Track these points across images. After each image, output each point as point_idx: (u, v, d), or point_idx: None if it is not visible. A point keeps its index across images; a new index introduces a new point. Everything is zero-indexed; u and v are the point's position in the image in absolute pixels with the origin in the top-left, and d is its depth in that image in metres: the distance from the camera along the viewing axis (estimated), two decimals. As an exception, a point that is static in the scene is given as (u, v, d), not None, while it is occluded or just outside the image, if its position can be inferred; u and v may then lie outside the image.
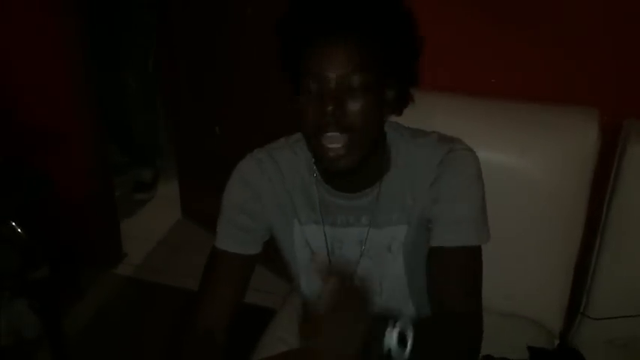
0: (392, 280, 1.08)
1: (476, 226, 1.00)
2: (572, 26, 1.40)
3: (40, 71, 2.08)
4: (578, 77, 1.43)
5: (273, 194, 1.08)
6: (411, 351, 0.81)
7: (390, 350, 0.81)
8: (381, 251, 1.06)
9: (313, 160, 1.06)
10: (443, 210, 1.00)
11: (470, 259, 1.00)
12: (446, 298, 0.97)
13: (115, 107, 2.69)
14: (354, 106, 0.91)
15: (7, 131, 2.16)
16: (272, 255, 1.15)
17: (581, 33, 1.40)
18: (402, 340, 0.81)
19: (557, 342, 1.38)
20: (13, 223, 1.64)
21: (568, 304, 1.36)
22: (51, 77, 2.08)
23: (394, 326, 0.81)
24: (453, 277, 0.98)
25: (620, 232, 1.31)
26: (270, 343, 1.33)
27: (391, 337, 0.81)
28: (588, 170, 1.26)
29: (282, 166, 1.09)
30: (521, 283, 1.32)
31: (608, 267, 1.33)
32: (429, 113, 1.26)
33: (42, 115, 2.15)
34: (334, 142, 0.92)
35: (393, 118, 1.02)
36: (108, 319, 2.14)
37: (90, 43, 2.12)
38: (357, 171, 0.97)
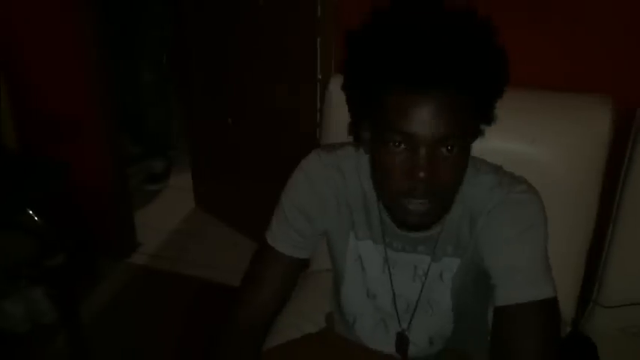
0: (438, 308, 1.05)
1: (534, 276, 0.91)
2: (585, 12, 1.39)
3: (56, 61, 2.10)
4: (592, 64, 1.42)
5: (335, 202, 1.04)
6: None
7: None
8: (433, 278, 1.03)
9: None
10: (496, 262, 0.93)
11: (537, 317, 0.89)
12: None
13: (129, 98, 2.71)
14: (447, 170, 0.84)
15: (24, 121, 2.19)
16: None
17: (594, 19, 1.39)
18: None
19: (569, 329, 1.38)
20: (30, 212, 1.66)
21: (580, 292, 1.36)
22: (68, 67, 2.10)
23: None
24: (515, 348, 0.89)
25: (632, 220, 1.30)
26: (283, 329, 1.34)
27: None
28: (601, 158, 1.25)
29: (347, 176, 1.02)
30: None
31: (620, 255, 1.33)
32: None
33: (58, 104, 2.17)
34: (419, 206, 0.85)
35: None
36: (122, 307, 2.17)
37: (105, 34, 2.14)
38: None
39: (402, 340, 1.10)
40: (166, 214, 2.69)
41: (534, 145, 1.25)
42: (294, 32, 1.86)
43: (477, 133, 0.91)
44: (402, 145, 0.83)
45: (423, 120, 0.80)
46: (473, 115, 0.85)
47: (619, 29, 1.38)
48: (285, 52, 1.96)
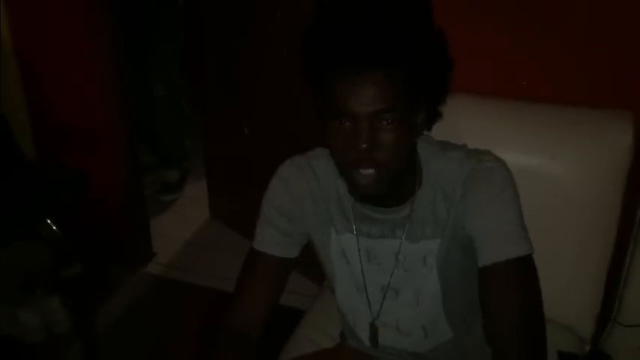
0: (427, 294, 1.06)
1: (517, 234, 0.96)
2: (606, 27, 1.38)
3: (74, 72, 2.13)
4: (612, 79, 1.41)
5: (311, 201, 1.09)
6: None
7: None
8: (416, 264, 1.05)
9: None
10: (475, 226, 0.97)
11: (516, 273, 0.95)
12: (501, 337, 0.94)
13: (142, 113, 2.72)
14: (387, 141, 0.90)
15: (42, 131, 2.21)
16: (301, 257, 1.16)
17: (614, 34, 1.38)
18: None
19: (588, 348, 1.36)
20: (49, 221, 1.67)
21: (600, 310, 1.34)
22: (85, 77, 2.12)
23: None
24: (504, 303, 0.94)
25: (654, 237, 1.29)
26: (299, 343, 1.34)
27: None
28: (622, 174, 1.24)
29: (320, 175, 1.09)
30: (552, 288, 1.29)
31: (641, 273, 1.31)
32: (459, 116, 1.25)
33: (75, 114, 2.19)
34: (366, 176, 0.92)
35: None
36: (137, 316, 2.17)
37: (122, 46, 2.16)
38: (390, 192, 0.97)
39: (373, 330, 1.12)
40: (181, 224, 2.69)
41: (554, 161, 1.24)
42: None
43: (434, 114, 0.98)
44: (346, 123, 0.91)
45: (360, 98, 0.88)
46: (410, 90, 0.90)
47: (638, 44, 1.37)
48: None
